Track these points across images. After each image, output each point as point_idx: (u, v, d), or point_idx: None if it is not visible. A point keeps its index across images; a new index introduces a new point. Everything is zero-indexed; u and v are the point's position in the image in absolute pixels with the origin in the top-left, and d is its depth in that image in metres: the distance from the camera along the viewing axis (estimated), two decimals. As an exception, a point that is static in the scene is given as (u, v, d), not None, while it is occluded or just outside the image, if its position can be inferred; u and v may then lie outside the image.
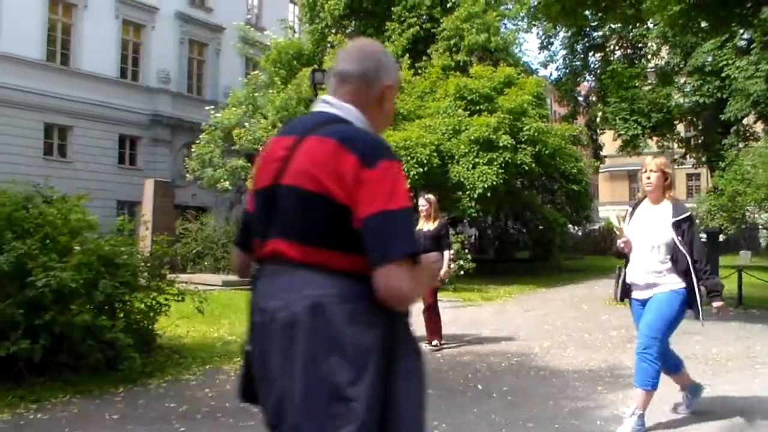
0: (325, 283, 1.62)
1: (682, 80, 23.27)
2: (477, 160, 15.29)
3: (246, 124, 19.06)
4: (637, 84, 22.70)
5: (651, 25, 19.96)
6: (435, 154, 14.80)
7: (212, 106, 21.40)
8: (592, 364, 6.33)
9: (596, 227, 33.13)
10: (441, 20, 20.83)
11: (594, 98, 27.41)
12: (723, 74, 19.38)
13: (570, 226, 23.05)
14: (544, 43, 26.71)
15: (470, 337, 7.98)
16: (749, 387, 5.36)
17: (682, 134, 26.49)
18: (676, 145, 26.91)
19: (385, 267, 1.56)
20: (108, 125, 22.58)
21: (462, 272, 13.64)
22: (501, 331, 8.49)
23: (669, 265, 4.06)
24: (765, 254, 28.81)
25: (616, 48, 27.05)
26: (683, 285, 4.04)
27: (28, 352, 4.73)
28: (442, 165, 15.17)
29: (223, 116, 19.78)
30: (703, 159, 25.12)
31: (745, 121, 22.35)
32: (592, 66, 27.31)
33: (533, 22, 22.77)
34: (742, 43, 19.52)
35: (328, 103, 1.80)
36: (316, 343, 1.59)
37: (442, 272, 6.78)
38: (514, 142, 15.70)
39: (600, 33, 25.85)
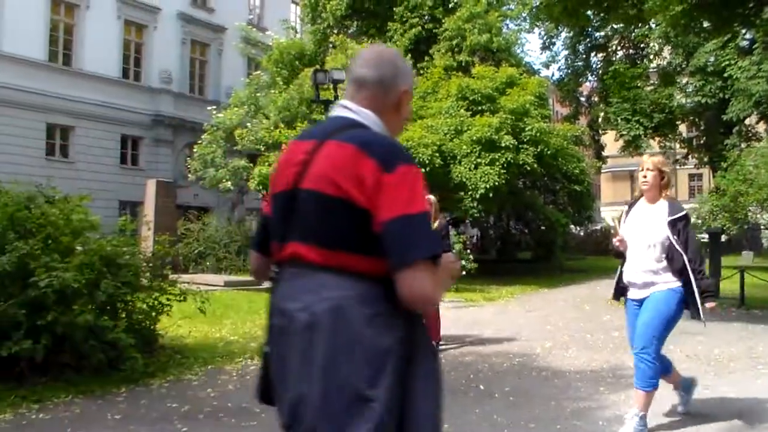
0: (345, 285, 1.64)
1: (684, 80, 23.21)
2: (479, 160, 15.28)
3: (248, 124, 19.09)
4: (639, 84, 22.65)
5: (653, 25, 19.92)
6: (437, 154, 14.80)
7: (214, 107, 21.45)
8: (594, 365, 6.32)
9: (598, 228, 33.13)
10: (443, 20, 20.83)
11: (596, 98, 27.37)
12: (725, 74, 19.32)
13: (572, 226, 23.05)
14: (546, 44, 26.68)
15: (472, 337, 7.98)
16: (751, 388, 5.35)
17: (684, 135, 26.42)
18: (678, 146, 26.85)
19: (409, 270, 1.58)
20: (110, 125, 22.61)
21: (464, 273, 13.63)
22: (503, 331, 8.49)
23: (665, 264, 4.05)
24: (767, 255, 28.77)
25: (618, 48, 27.01)
26: (680, 284, 4.03)
27: (31, 352, 4.74)
28: (445, 165, 15.17)
29: (225, 116, 19.81)
30: (705, 159, 25.06)
31: (747, 122, 22.29)
32: (594, 66, 27.28)
33: (535, 23, 22.76)
34: (745, 43, 19.47)
35: (347, 108, 1.82)
36: (335, 344, 1.61)
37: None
38: (516, 143, 15.69)
39: (602, 33, 25.81)
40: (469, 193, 15.05)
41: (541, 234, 21.18)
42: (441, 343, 7.21)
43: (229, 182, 19.28)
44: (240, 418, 4.42)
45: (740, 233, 20.42)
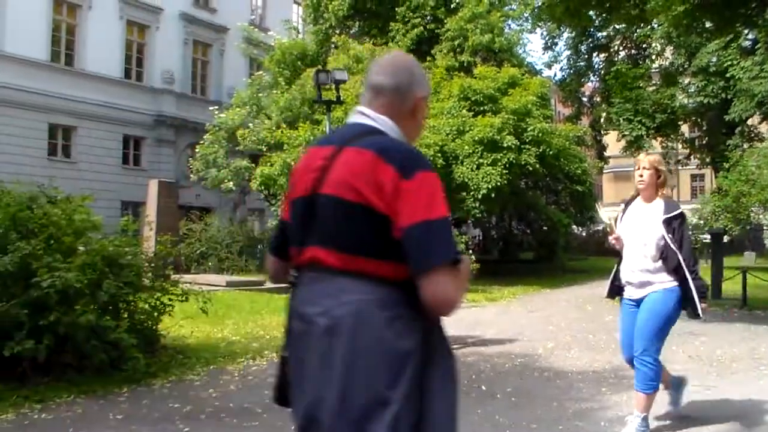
0: (364, 289, 1.66)
1: (687, 81, 23.19)
2: (481, 160, 15.29)
3: (250, 124, 19.12)
4: (641, 84, 22.62)
5: (655, 26, 19.89)
6: (439, 154, 14.81)
7: (216, 107, 21.46)
8: (596, 365, 6.31)
9: (600, 228, 33.09)
10: (445, 21, 20.83)
11: (598, 99, 27.34)
12: (727, 75, 19.31)
13: (574, 226, 23.04)
14: (548, 44, 26.65)
15: (474, 338, 7.97)
16: (753, 388, 5.33)
17: (687, 135, 26.38)
18: (680, 146, 26.80)
19: (431, 276, 1.60)
20: (112, 126, 22.62)
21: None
22: (505, 332, 8.48)
23: (660, 263, 4.04)
24: (770, 255, 28.72)
25: (621, 48, 26.97)
26: (676, 283, 4.02)
27: (33, 352, 4.75)
28: (447, 165, 15.17)
29: (227, 117, 19.84)
30: (708, 160, 25.03)
31: (749, 122, 22.27)
32: (596, 66, 27.24)
33: (537, 23, 22.75)
34: (747, 43, 19.45)
35: (365, 115, 1.84)
36: (355, 348, 1.63)
37: None
38: (518, 143, 15.70)
39: (604, 33, 25.77)
40: (471, 193, 15.05)
41: (543, 234, 21.19)
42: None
43: (231, 182, 19.31)
44: (242, 418, 4.42)
45: (742, 234, 20.41)
